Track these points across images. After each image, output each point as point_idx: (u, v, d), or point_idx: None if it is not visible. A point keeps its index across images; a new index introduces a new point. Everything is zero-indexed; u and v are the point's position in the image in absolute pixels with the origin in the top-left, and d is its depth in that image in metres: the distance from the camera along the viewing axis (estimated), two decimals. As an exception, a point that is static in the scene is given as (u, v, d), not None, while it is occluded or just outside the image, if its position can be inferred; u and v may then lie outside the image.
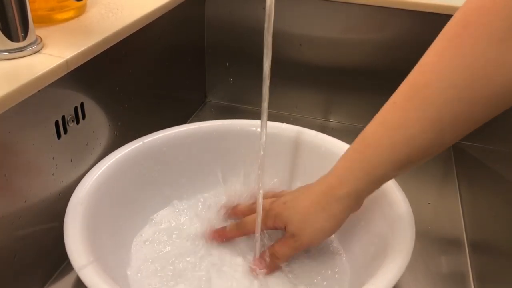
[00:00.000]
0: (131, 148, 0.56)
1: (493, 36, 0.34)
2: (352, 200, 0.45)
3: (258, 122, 0.60)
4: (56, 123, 0.50)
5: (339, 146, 0.57)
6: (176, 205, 0.59)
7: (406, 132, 0.40)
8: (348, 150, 0.46)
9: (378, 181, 0.44)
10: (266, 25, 0.41)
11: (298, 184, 0.61)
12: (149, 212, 0.58)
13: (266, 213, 0.50)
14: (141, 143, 0.57)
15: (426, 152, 0.41)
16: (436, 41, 0.39)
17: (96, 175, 0.51)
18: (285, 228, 0.49)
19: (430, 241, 0.61)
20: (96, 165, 0.53)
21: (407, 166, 0.42)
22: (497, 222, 0.57)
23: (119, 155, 0.54)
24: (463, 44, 0.36)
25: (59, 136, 0.51)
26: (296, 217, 0.48)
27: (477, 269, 0.56)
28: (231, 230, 0.54)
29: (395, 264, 0.42)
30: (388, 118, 0.41)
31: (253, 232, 0.51)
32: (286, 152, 0.61)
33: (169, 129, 0.60)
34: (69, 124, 0.52)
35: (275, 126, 0.60)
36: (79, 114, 0.53)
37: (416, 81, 0.39)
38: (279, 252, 0.50)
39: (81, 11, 0.61)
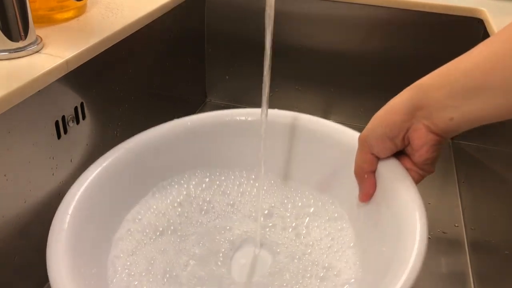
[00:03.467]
0: (119, 152, 0.52)
1: None
2: (420, 96, 0.39)
3: (248, 110, 0.57)
4: (56, 123, 0.50)
5: (339, 130, 0.54)
6: (167, 208, 0.56)
7: None
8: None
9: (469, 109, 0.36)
10: (266, 27, 0.41)
11: (293, 173, 0.58)
12: (132, 217, 0.54)
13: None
14: (132, 143, 0.53)
15: None
16: None
17: (85, 184, 0.47)
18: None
19: (430, 241, 0.61)
20: (83, 174, 0.49)
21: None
22: (497, 222, 0.57)
23: (107, 162, 0.51)
24: None
25: (59, 136, 0.51)
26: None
27: (477, 269, 0.56)
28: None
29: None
30: None
31: None
32: (281, 139, 0.57)
33: (158, 127, 0.56)
34: (69, 124, 0.52)
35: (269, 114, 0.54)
36: (79, 114, 0.53)
37: None
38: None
39: (81, 11, 0.61)
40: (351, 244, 0.51)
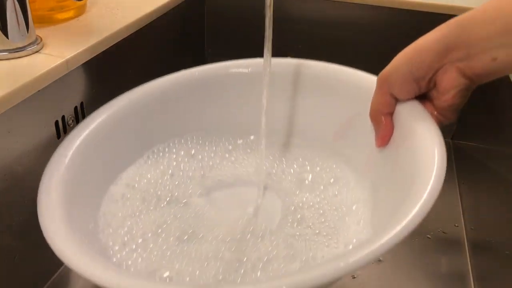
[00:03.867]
0: (118, 106, 0.51)
1: None
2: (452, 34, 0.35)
3: (249, 61, 0.56)
4: (56, 123, 0.50)
5: (354, 75, 0.52)
6: (165, 165, 0.54)
7: None
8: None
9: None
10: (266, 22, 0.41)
11: (297, 128, 0.56)
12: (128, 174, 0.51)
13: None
14: (127, 100, 0.52)
15: None
16: None
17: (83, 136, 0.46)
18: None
19: (430, 241, 0.61)
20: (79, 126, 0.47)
21: None
22: (497, 222, 0.57)
23: (107, 114, 0.49)
24: None
25: (59, 136, 0.51)
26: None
27: (477, 269, 0.56)
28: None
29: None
30: None
31: None
32: (285, 92, 0.54)
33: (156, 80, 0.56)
34: (69, 124, 0.52)
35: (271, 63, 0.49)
36: (79, 114, 0.53)
37: None
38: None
39: (81, 11, 0.61)
40: (358, 204, 0.48)
